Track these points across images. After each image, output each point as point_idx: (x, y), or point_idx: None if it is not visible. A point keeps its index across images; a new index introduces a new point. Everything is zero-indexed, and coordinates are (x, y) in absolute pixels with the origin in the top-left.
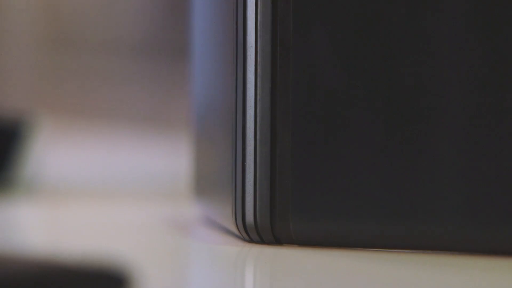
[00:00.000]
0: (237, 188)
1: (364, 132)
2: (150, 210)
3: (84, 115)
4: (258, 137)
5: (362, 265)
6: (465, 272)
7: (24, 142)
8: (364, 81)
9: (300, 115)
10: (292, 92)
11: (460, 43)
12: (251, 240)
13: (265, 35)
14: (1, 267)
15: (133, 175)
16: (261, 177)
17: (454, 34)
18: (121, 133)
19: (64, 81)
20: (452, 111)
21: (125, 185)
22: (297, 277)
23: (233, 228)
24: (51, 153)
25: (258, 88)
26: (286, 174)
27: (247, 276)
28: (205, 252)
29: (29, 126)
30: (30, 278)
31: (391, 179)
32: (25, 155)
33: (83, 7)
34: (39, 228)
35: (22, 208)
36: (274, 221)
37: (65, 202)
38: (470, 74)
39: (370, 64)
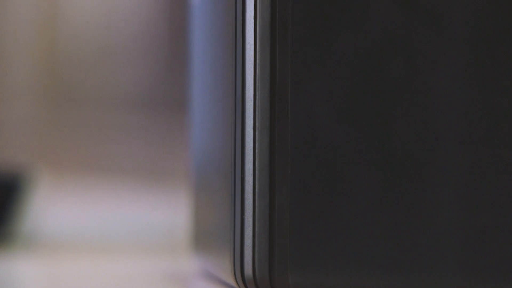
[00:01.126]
0: (236, 241)
1: (362, 186)
2: (148, 263)
3: (83, 169)
4: (256, 191)
5: None
6: None
7: (23, 196)
8: (362, 135)
9: (299, 168)
10: (291, 146)
11: (459, 98)
12: None
13: (264, 89)
14: None
15: (131, 228)
16: (260, 230)
17: (452, 89)
18: (120, 186)
19: (63, 135)
20: (450, 166)
21: (124, 239)
22: None
23: (232, 281)
24: (50, 207)
25: (256, 141)
26: (284, 228)
27: None
28: None
29: (28, 180)
30: None
31: (389, 234)
32: (24, 209)
33: (82, 62)
34: (38, 282)
35: (21, 263)
36: (272, 275)
37: (64, 256)
38: (468, 129)
39: (368, 118)
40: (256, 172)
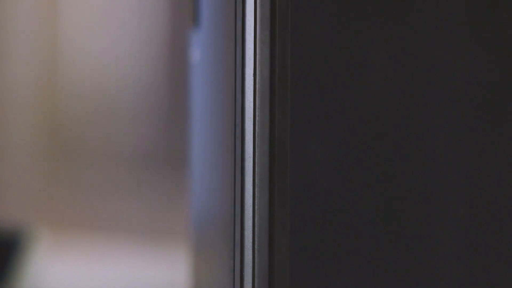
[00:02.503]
0: None
1: (363, 240)
2: None
3: (83, 226)
4: (256, 247)
5: None
6: None
7: (23, 254)
8: (362, 189)
9: (298, 224)
10: (290, 202)
11: (457, 154)
12: None
13: (263, 145)
14: None
15: (131, 287)
16: (259, 287)
17: (451, 145)
18: (120, 244)
19: (63, 193)
20: (448, 219)
21: None
22: None
23: None
24: (49, 264)
25: (256, 197)
26: (284, 284)
27: None
28: None
29: (28, 238)
30: None
31: (389, 285)
32: (23, 267)
33: (82, 119)
34: None
35: None
36: None
37: None
38: (466, 183)
39: (368, 173)
40: (256, 229)
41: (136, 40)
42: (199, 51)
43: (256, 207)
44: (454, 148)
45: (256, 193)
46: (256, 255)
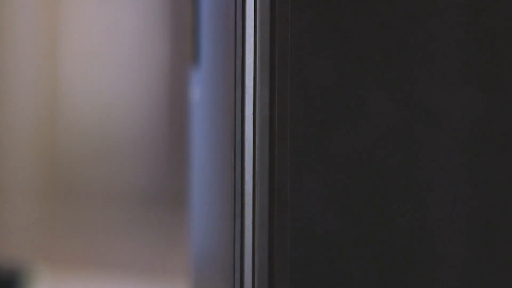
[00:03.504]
0: None
1: (362, 282)
2: None
3: (83, 265)
4: (256, 287)
5: None
6: None
7: None
8: (361, 230)
9: (298, 264)
10: (290, 242)
11: (457, 193)
12: None
13: (263, 184)
14: None
15: None
16: None
17: (450, 183)
18: (120, 283)
19: (64, 231)
20: (448, 260)
21: None
22: None
23: None
24: None
25: (256, 236)
26: None
27: None
28: None
29: (29, 276)
30: None
31: None
32: None
33: (82, 157)
34: None
35: None
36: None
37: None
38: (466, 223)
39: (367, 214)
40: (256, 269)
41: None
42: (199, 90)
43: (255, 246)
44: (452, 188)
45: (256, 232)
46: None
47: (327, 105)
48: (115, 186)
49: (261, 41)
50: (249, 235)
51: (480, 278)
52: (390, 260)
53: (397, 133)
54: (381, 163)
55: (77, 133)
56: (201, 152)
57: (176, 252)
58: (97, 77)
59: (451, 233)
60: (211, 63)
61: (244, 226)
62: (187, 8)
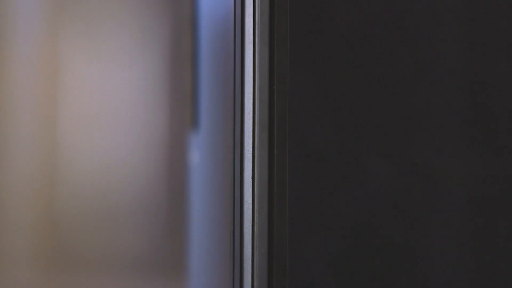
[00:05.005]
0: None
1: None
2: None
3: None
4: None
5: None
6: None
7: None
8: None
9: None
10: None
11: (457, 258)
12: None
13: (261, 249)
14: None
15: None
16: None
17: (450, 249)
18: None
19: None
20: None
21: None
22: None
23: None
24: None
25: None
26: None
27: None
28: None
29: None
30: None
31: None
32: None
33: (79, 225)
34: None
35: None
36: None
37: None
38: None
39: (365, 279)
40: None
41: (136, 142)
42: (198, 153)
43: None
44: (451, 253)
45: None
46: None
47: (325, 169)
48: (112, 251)
49: (260, 104)
50: None
51: None
52: None
53: (395, 198)
54: (379, 227)
55: (75, 197)
56: (200, 216)
57: None
58: (97, 140)
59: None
60: (209, 127)
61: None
62: (187, 73)
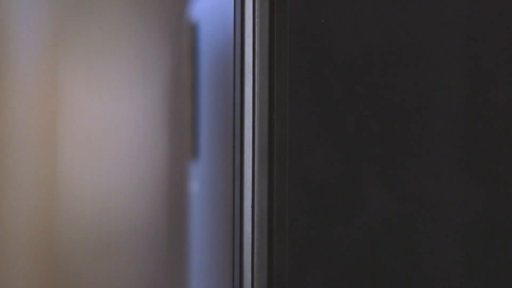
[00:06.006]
0: None
1: None
2: None
3: None
4: None
5: None
6: None
7: None
8: None
9: None
10: None
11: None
12: None
13: (261, 279)
14: None
15: None
16: None
17: (451, 275)
18: None
19: None
20: None
21: None
22: None
23: None
24: None
25: None
26: None
27: None
28: None
29: None
30: None
31: None
32: None
33: (78, 254)
34: None
35: None
36: None
37: None
38: None
39: None
40: None
41: (135, 171)
42: (198, 182)
43: None
44: (453, 282)
45: None
46: None
47: (324, 198)
48: (110, 280)
49: (260, 134)
50: None
51: None
52: None
53: (395, 226)
54: (380, 256)
55: (74, 225)
56: (199, 245)
57: None
58: (96, 169)
59: None
60: (209, 155)
61: None
62: (187, 103)
